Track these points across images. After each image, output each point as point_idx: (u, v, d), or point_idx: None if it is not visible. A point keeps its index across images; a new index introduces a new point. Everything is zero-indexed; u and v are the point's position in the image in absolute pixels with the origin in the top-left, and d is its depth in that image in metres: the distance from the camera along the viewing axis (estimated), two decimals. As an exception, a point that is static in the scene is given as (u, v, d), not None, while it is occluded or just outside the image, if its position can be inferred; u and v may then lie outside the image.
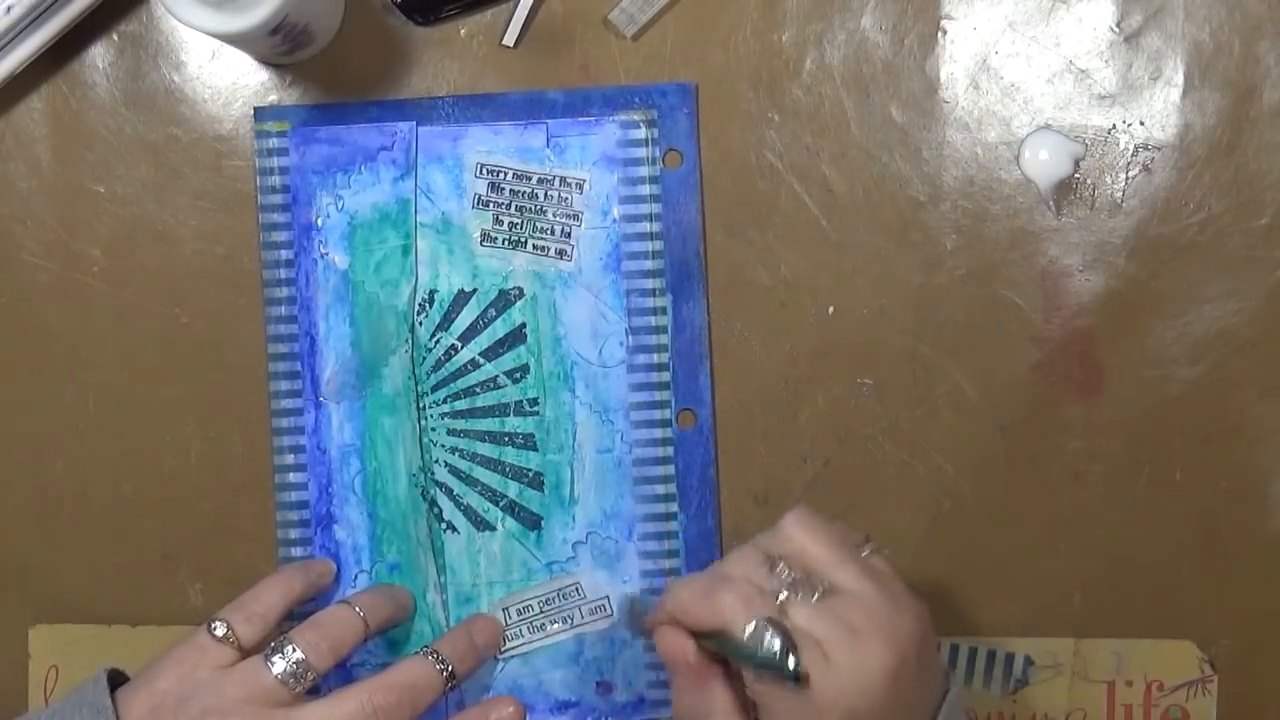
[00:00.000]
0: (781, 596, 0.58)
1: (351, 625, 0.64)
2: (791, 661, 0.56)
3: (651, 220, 0.70)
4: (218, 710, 0.60)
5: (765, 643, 0.56)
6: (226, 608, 0.64)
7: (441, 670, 0.64)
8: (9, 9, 0.67)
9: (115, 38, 0.71)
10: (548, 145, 0.70)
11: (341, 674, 0.70)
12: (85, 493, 0.72)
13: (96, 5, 0.69)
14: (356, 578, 0.71)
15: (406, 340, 0.70)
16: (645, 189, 0.70)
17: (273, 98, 0.71)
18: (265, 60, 0.71)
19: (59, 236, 0.71)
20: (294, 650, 0.62)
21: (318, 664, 0.62)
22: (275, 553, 0.71)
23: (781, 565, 0.59)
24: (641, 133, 0.70)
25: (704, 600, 0.58)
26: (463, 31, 0.70)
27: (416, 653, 0.65)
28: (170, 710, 0.60)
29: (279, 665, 0.62)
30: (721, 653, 0.59)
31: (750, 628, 0.57)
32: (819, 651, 0.56)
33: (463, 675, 0.65)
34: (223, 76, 0.71)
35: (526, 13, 0.70)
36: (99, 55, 0.71)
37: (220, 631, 0.63)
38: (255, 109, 0.71)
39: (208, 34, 0.62)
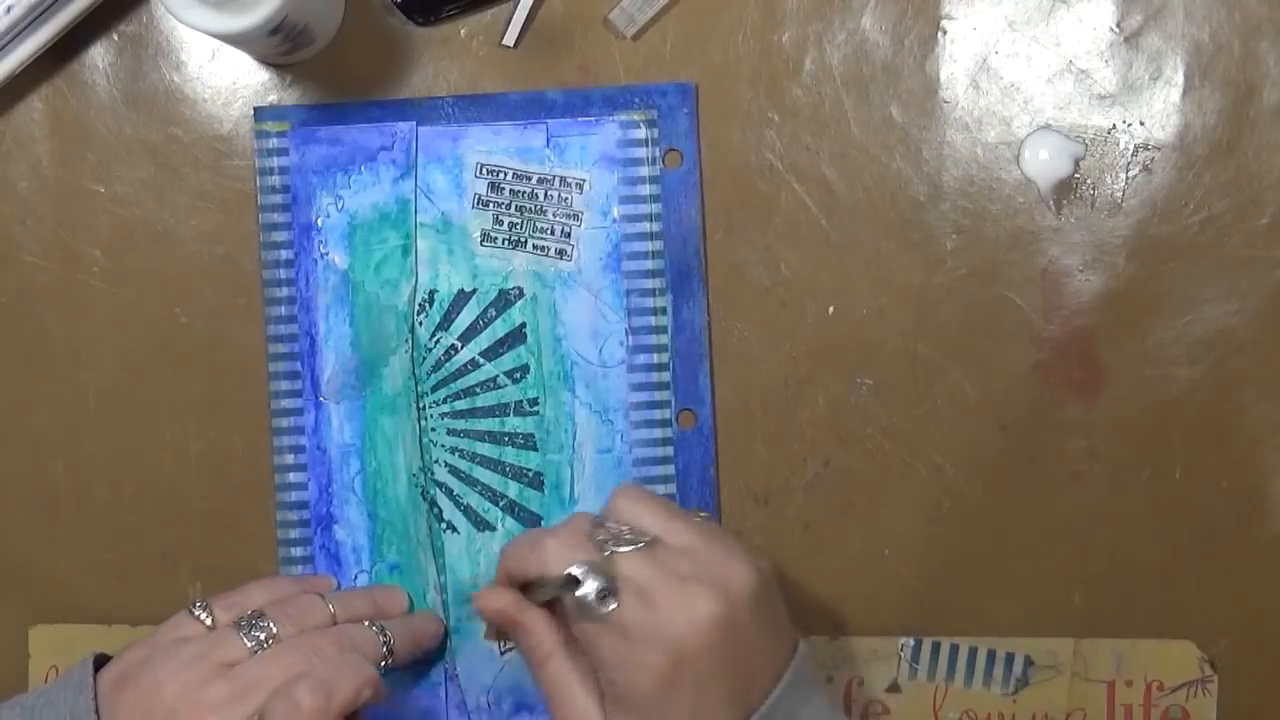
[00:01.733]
0: (608, 548, 0.59)
1: (320, 611, 0.65)
2: (602, 600, 0.58)
3: (651, 220, 0.70)
4: (178, 668, 0.61)
5: (583, 585, 0.58)
6: (212, 597, 0.65)
7: (383, 642, 0.65)
8: (9, 9, 0.67)
9: (115, 38, 0.71)
10: (548, 145, 0.70)
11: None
12: (85, 493, 0.72)
13: (96, 5, 0.69)
14: (356, 577, 0.71)
15: (406, 340, 0.70)
16: (645, 189, 0.70)
17: (273, 98, 0.71)
18: (265, 60, 0.71)
19: (59, 236, 0.71)
20: (266, 623, 0.63)
21: (284, 638, 0.63)
22: (275, 553, 0.71)
23: (611, 523, 0.61)
24: (641, 133, 0.70)
25: (528, 552, 0.61)
26: (463, 31, 0.70)
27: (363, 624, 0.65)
28: (136, 673, 0.61)
29: (248, 634, 0.62)
30: (544, 599, 0.61)
31: (567, 572, 0.59)
32: (642, 596, 0.58)
33: (400, 656, 0.66)
34: (223, 76, 0.71)
35: (526, 13, 0.70)
36: (99, 55, 0.71)
37: (199, 612, 0.64)
38: (255, 109, 0.71)
39: (208, 34, 0.62)
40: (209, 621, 0.64)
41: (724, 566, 0.59)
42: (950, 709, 0.70)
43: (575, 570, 0.59)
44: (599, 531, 0.61)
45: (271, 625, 0.63)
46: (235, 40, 0.66)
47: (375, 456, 0.71)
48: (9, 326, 0.71)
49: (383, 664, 0.65)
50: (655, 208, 0.70)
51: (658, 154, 0.70)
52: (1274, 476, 0.69)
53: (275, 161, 0.70)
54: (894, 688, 0.70)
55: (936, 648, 0.70)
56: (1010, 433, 0.70)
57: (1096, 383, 0.69)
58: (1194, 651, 0.69)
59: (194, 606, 0.64)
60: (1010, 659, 0.69)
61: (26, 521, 0.72)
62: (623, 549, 0.59)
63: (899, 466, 0.70)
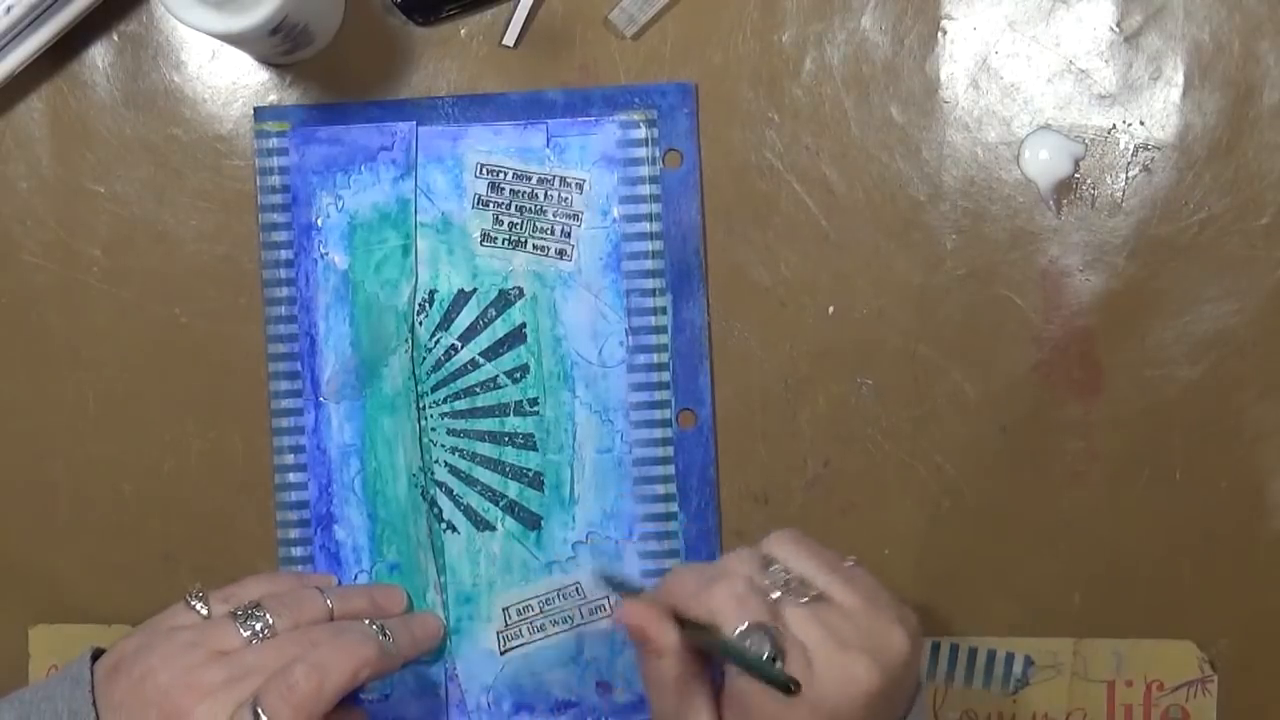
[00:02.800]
0: (775, 595, 0.58)
1: (318, 605, 0.65)
2: (778, 669, 0.56)
3: (651, 220, 0.70)
4: (173, 654, 0.61)
5: (755, 646, 0.56)
6: (209, 590, 0.65)
7: (382, 640, 0.64)
8: (9, 9, 0.67)
9: (115, 38, 0.71)
10: (548, 145, 0.70)
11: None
12: (85, 493, 0.72)
13: (96, 5, 0.69)
14: (356, 577, 0.71)
15: (406, 340, 0.70)
16: (645, 189, 0.70)
17: (273, 98, 0.71)
18: (265, 60, 0.71)
19: (59, 236, 0.71)
20: (262, 614, 0.63)
21: (280, 629, 0.63)
22: (275, 553, 0.71)
23: (777, 566, 0.59)
24: (641, 133, 0.70)
25: (701, 591, 0.59)
26: (463, 31, 0.70)
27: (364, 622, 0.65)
28: (130, 660, 0.61)
29: (244, 624, 0.62)
30: (706, 645, 0.59)
31: (742, 627, 0.57)
32: (805, 658, 0.57)
33: (400, 655, 0.65)
34: (223, 76, 0.71)
35: (526, 13, 0.70)
36: (99, 55, 0.71)
37: (195, 602, 0.64)
38: (255, 109, 0.71)
39: (208, 34, 0.62)
40: (205, 611, 0.64)
41: (883, 634, 0.58)
42: (950, 709, 0.70)
43: (751, 627, 0.57)
44: (765, 577, 0.59)
45: (268, 617, 0.63)
46: (235, 40, 0.66)
47: (375, 456, 0.71)
48: (9, 326, 0.71)
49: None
50: (655, 208, 0.70)
51: (658, 154, 0.70)
52: (1274, 476, 0.69)
53: (275, 161, 0.70)
54: (894, 688, 0.70)
55: (936, 648, 0.70)
56: (1010, 433, 0.70)
57: (1096, 383, 0.69)
58: (1194, 651, 0.69)
59: (190, 597, 0.64)
60: (1010, 659, 0.69)
61: (26, 521, 0.72)
62: (789, 603, 0.58)
63: (899, 466, 0.70)
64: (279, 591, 0.65)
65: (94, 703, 0.60)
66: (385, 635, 0.64)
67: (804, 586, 0.59)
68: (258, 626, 0.62)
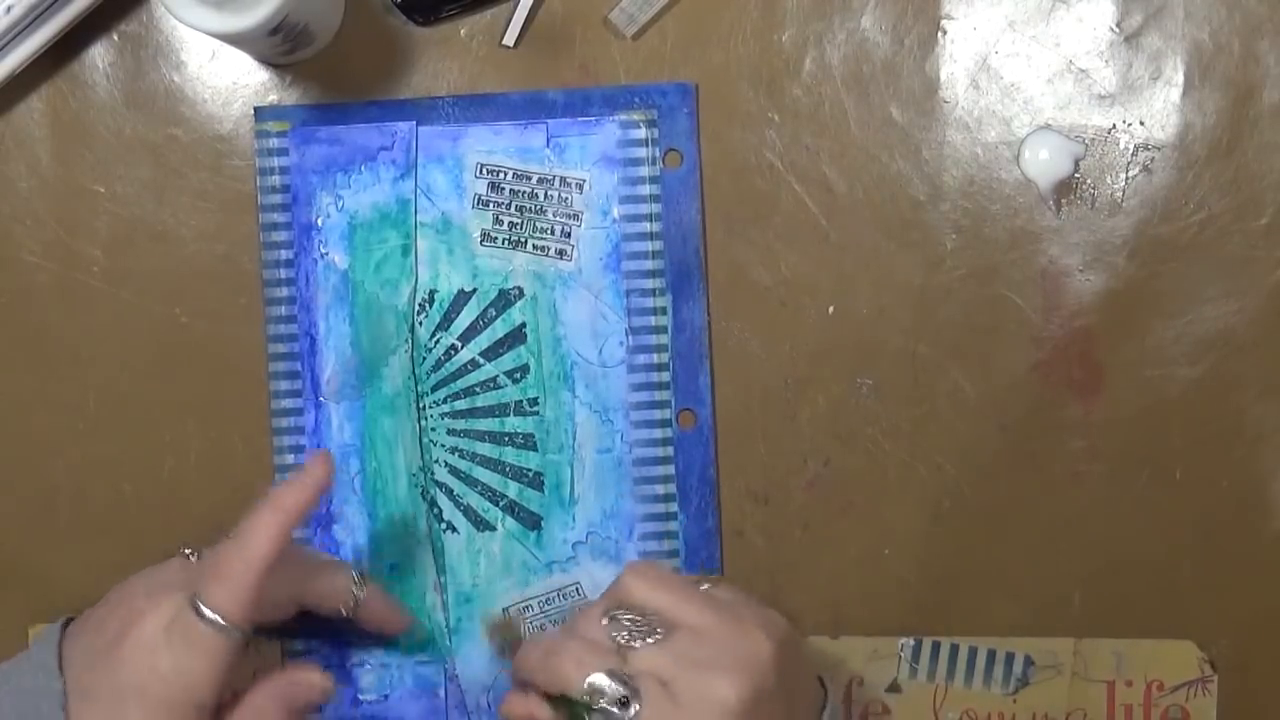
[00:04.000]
0: (621, 642, 0.59)
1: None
2: (623, 705, 0.57)
3: (651, 220, 0.70)
4: (131, 584, 0.63)
5: (605, 694, 0.57)
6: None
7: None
8: (9, 9, 0.67)
9: (115, 38, 0.71)
10: (548, 145, 0.70)
11: (343, 674, 0.70)
12: (85, 493, 0.72)
13: (96, 5, 0.69)
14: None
15: (406, 340, 0.70)
16: (645, 189, 0.70)
17: (273, 98, 0.71)
18: (265, 60, 0.71)
19: (59, 236, 0.71)
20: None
21: None
22: (275, 553, 0.71)
23: (621, 612, 0.60)
24: (641, 133, 0.70)
25: (544, 664, 0.60)
26: (463, 31, 0.70)
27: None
28: (98, 613, 0.63)
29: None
30: (569, 714, 0.60)
31: (586, 684, 0.58)
32: (664, 691, 0.57)
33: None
34: (223, 76, 0.71)
35: (526, 13, 0.70)
36: (99, 55, 0.71)
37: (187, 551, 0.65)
38: (255, 109, 0.71)
39: (208, 34, 0.62)
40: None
41: (741, 644, 0.58)
42: (950, 709, 0.70)
43: (595, 680, 0.58)
44: (613, 627, 0.60)
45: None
46: (235, 40, 0.66)
47: (375, 456, 0.71)
48: (9, 326, 0.71)
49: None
50: (655, 208, 0.70)
51: (658, 154, 0.70)
52: (1274, 476, 0.69)
53: (275, 161, 0.70)
54: (894, 688, 0.70)
55: (936, 648, 0.70)
56: (1010, 433, 0.70)
57: (1096, 383, 0.69)
58: (1194, 651, 0.69)
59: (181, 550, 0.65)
60: (1010, 659, 0.69)
61: (26, 521, 0.72)
62: (637, 644, 0.59)
63: (899, 466, 0.70)
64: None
65: (59, 652, 0.61)
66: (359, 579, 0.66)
67: (651, 624, 0.59)
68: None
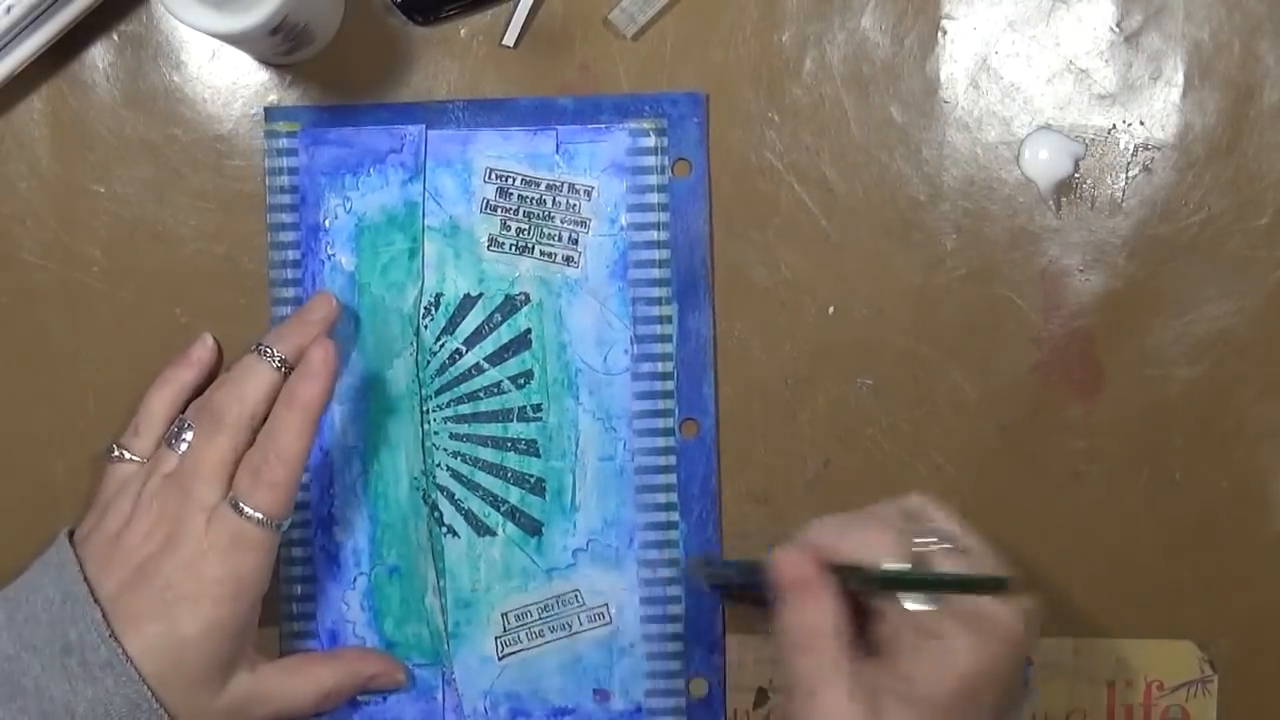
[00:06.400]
0: (921, 542, 0.58)
1: (258, 376, 0.66)
2: (979, 576, 0.57)
3: (659, 229, 0.70)
4: (127, 496, 0.64)
5: (903, 582, 0.57)
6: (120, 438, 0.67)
7: (278, 367, 0.65)
8: (9, 9, 0.67)
9: (115, 38, 0.71)
10: (557, 151, 0.70)
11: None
12: (85, 493, 0.71)
13: (96, 5, 0.69)
14: (355, 580, 0.71)
15: (411, 343, 0.70)
16: (654, 197, 0.70)
17: (273, 97, 0.71)
18: (265, 60, 0.71)
19: (59, 236, 0.71)
20: (188, 430, 0.65)
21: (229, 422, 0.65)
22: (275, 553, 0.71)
23: (917, 523, 0.60)
24: (651, 141, 0.70)
25: (850, 533, 0.59)
26: (463, 31, 0.70)
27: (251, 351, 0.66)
28: (95, 526, 0.64)
29: (176, 445, 0.65)
30: (862, 583, 0.59)
31: (901, 563, 0.57)
32: (962, 600, 0.57)
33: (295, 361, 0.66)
34: (223, 76, 0.71)
35: (526, 13, 0.70)
36: (99, 55, 0.71)
37: (121, 452, 0.67)
38: (265, 109, 0.71)
39: (208, 34, 0.62)
40: (134, 456, 0.66)
41: (1010, 609, 0.58)
42: (951, 709, 0.70)
43: (896, 564, 0.58)
44: (910, 526, 0.59)
45: (190, 431, 0.65)
46: (235, 40, 0.66)
47: (377, 459, 0.71)
48: (9, 326, 0.71)
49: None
50: (663, 216, 0.70)
51: (667, 163, 0.70)
52: (1274, 476, 0.69)
53: (284, 162, 0.70)
54: (895, 688, 0.70)
55: (937, 648, 0.70)
56: (1010, 433, 0.70)
57: (1096, 383, 0.69)
58: (1194, 651, 0.69)
59: (110, 456, 0.67)
60: (1010, 659, 0.69)
61: (26, 521, 0.72)
62: (937, 551, 0.58)
63: (899, 466, 0.70)
64: (198, 401, 0.67)
65: (85, 579, 0.62)
66: (279, 361, 0.66)
67: (951, 537, 0.59)
68: (189, 437, 0.64)
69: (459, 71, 0.70)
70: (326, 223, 0.70)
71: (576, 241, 0.70)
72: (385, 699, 0.70)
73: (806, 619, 0.59)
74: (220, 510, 0.62)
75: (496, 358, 0.70)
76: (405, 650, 0.70)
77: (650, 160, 0.70)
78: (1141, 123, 0.69)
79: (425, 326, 0.70)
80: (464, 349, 0.70)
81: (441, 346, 0.70)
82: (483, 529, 0.70)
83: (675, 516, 0.70)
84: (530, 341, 0.70)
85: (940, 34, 0.69)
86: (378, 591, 0.71)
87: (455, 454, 0.70)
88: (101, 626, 0.60)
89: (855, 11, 0.69)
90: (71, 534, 0.65)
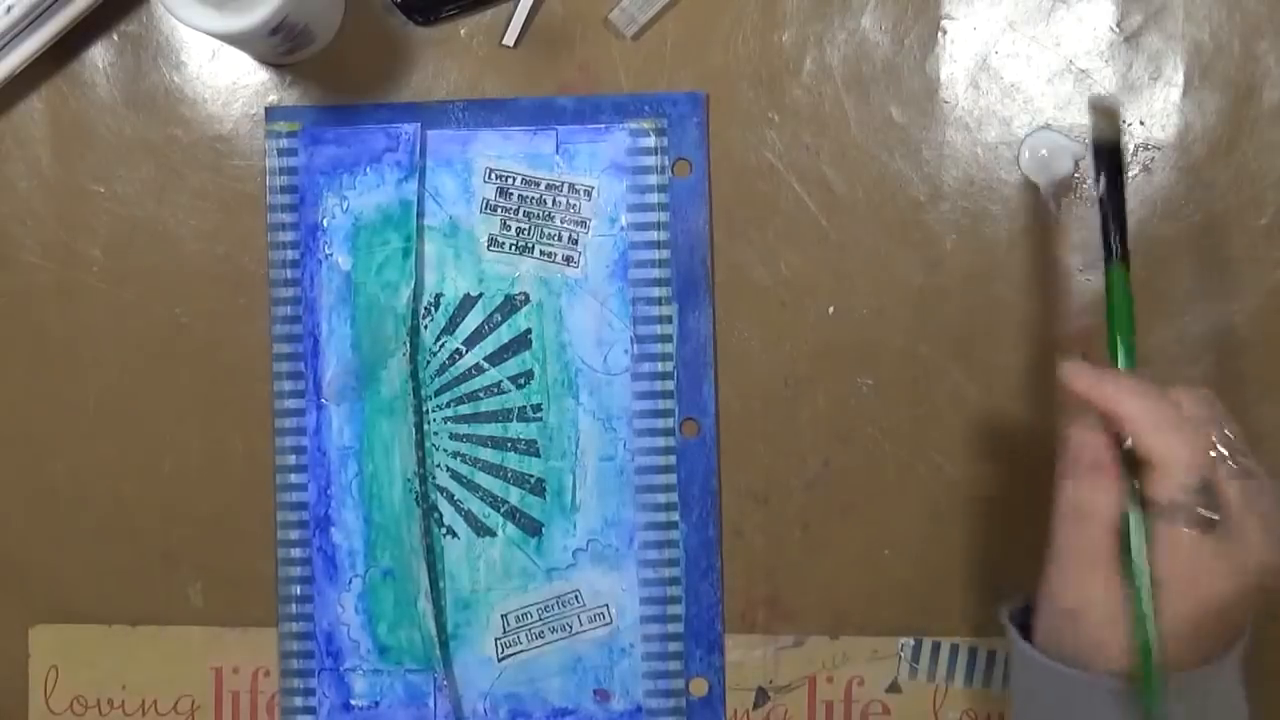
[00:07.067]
0: (1217, 452, 0.57)
1: None
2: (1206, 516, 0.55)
3: (659, 229, 0.70)
4: None
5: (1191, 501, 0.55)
6: None
7: None
8: (9, 9, 0.67)
9: (115, 38, 0.71)
10: (557, 151, 0.70)
11: (336, 677, 0.70)
12: (85, 493, 0.72)
13: (96, 5, 0.69)
14: (351, 582, 0.71)
15: (404, 343, 0.70)
16: (654, 197, 0.70)
17: (273, 98, 0.71)
18: (265, 60, 0.71)
19: (59, 236, 0.71)
20: None
21: None
22: (275, 553, 0.71)
23: (1221, 431, 0.58)
24: (651, 141, 0.70)
25: (1160, 429, 0.56)
26: (463, 31, 0.70)
27: None
28: None
29: None
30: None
31: (1195, 481, 0.55)
32: (1242, 521, 0.56)
33: None
34: (223, 76, 0.71)
35: (526, 13, 0.70)
36: (99, 55, 0.71)
37: None
38: (266, 109, 0.71)
39: (208, 34, 0.62)
40: None
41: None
42: (950, 709, 0.70)
43: (1194, 482, 0.55)
44: (1218, 436, 0.57)
45: None
46: (235, 40, 0.66)
47: (372, 460, 0.71)
48: (9, 326, 0.71)
49: None
50: (663, 216, 0.70)
51: (667, 163, 0.70)
52: (1274, 476, 0.69)
53: (284, 162, 0.70)
54: (894, 688, 0.70)
55: (936, 648, 0.70)
56: (1010, 433, 0.70)
57: (1097, 383, 0.69)
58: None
59: None
60: (1010, 659, 0.69)
61: (26, 521, 0.72)
62: (1226, 468, 0.56)
63: (899, 466, 0.70)
64: None
65: None
66: None
67: (1242, 450, 0.57)
68: None
69: (459, 71, 0.70)
70: (325, 222, 0.70)
71: (576, 241, 0.70)
72: (378, 704, 0.70)
73: (1098, 501, 0.57)
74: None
75: (496, 358, 0.70)
76: (398, 655, 0.70)
77: (650, 160, 0.70)
78: (1141, 123, 0.69)
79: (425, 326, 0.70)
80: (464, 349, 0.70)
81: (441, 346, 0.70)
82: (482, 529, 0.70)
83: (675, 516, 0.70)
84: (530, 341, 0.70)
85: (940, 34, 0.69)
86: (372, 594, 0.71)
87: (455, 454, 0.70)
88: None
89: (855, 11, 0.69)
90: None
